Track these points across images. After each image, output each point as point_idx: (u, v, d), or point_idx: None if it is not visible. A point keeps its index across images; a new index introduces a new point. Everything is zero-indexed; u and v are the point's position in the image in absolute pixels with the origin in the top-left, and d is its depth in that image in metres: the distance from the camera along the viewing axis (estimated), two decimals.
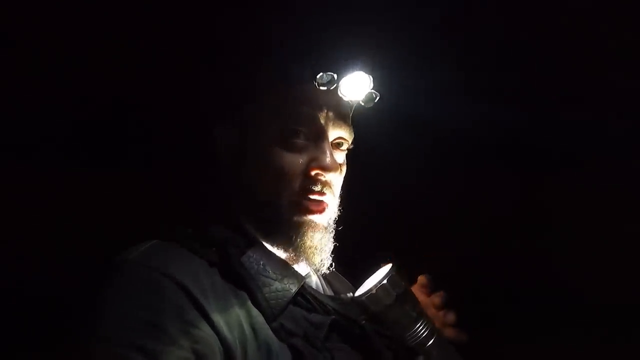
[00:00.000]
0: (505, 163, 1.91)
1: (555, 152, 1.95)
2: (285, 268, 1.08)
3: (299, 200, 1.09)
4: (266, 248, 1.10)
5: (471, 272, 1.85)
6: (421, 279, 1.27)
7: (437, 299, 1.24)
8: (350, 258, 1.25)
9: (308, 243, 1.09)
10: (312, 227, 1.10)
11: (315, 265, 1.11)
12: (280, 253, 1.13)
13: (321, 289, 1.22)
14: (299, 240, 1.08)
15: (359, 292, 1.15)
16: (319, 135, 1.10)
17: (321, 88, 1.06)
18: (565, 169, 1.91)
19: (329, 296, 1.17)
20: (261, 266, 1.06)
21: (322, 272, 1.14)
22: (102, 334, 0.90)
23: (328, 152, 1.09)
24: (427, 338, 1.11)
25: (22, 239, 1.35)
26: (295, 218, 1.09)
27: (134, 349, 0.88)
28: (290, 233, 1.09)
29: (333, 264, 1.14)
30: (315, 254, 1.10)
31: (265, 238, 1.13)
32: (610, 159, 1.87)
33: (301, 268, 1.17)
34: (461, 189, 1.91)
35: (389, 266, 1.15)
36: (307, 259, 1.10)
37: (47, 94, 1.39)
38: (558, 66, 1.78)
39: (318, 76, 1.06)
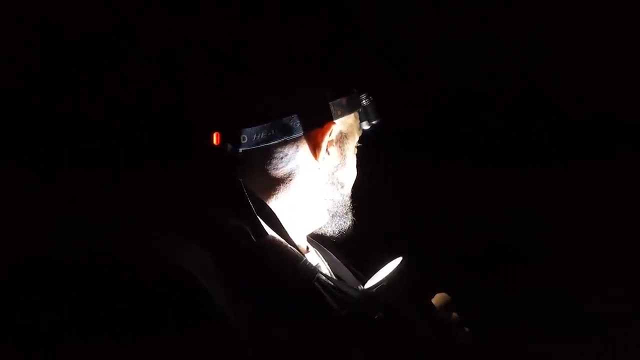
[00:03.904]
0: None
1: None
2: (297, 259, 1.08)
3: None
4: (280, 240, 1.10)
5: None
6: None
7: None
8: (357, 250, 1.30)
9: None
10: None
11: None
12: (297, 242, 1.15)
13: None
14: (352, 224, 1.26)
15: (369, 284, 1.15)
16: None
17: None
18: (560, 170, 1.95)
19: (346, 286, 1.17)
20: (274, 258, 1.06)
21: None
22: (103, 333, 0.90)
23: None
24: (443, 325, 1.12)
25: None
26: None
27: (146, 347, 0.90)
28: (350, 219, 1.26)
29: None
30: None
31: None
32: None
33: (311, 258, 1.19)
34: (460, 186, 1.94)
35: (398, 259, 1.16)
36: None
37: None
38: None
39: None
